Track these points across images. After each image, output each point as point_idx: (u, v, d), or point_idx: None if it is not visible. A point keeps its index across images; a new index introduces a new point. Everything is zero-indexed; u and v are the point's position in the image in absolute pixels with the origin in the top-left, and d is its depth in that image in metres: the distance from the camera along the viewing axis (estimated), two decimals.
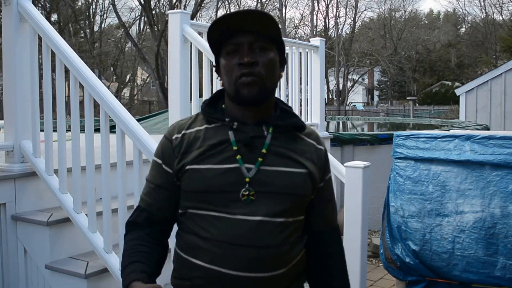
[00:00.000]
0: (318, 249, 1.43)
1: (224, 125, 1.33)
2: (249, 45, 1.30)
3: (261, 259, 1.25)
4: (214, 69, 1.41)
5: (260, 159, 1.29)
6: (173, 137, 1.36)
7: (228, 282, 1.26)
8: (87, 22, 30.77)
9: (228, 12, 1.35)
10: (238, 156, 1.29)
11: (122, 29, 28.14)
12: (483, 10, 39.48)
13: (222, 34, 1.31)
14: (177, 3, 25.67)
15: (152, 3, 25.11)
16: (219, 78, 1.38)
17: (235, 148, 1.29)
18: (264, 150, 1.30)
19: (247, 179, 1.27)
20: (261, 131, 1.32)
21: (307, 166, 1.34)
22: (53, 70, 2.89)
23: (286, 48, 4.54)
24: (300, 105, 4.84)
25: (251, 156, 1.29)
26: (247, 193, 1.26)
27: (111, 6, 28.94)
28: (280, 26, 1.34)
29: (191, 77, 3.61)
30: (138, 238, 1.36)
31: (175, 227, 1.42)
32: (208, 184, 1.27)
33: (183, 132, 1.36)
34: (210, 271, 1.26)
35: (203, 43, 3.47)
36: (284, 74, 4.53)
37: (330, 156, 3.00)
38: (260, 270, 1.26)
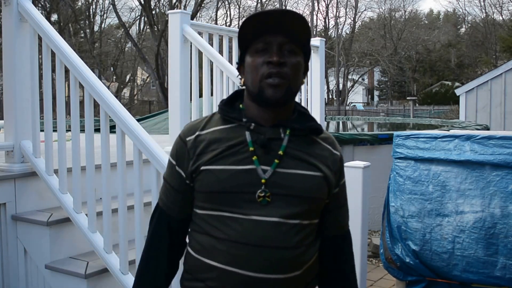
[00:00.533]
0: (330, 253, 1.44)
1: (241, 125, 1.32)
2: (279, 46, 1.28)
3: (278, 261, 1.26)
4: (236, 66, 1.40)
5: (276, 161, 1.28)
6: (187, 139, 1.35)
7: (244, 284, 1.26)
8: (87, 22, 30.78)
9: (259, 11, 1.36)
10: (254, 157, 1.28)
11: (122, 29, 28.15)
12: (483, 10, 39.55)
13: (254, 30, 1.29)
14: (177, 3, 25.68)
15: (152, 3, 25.12)
16: (239, 76, 1.37)
17: (251, 149, 1.29)
18: (280, 152, 1.29)
19: (263, 181, 1.27)
20: (278, 133, 1.31)
21: (323, 170, 1.33)
22: (53, 70, 2.89)
23: None
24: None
25: (267, 158, 1.29)
26: (263, 194, 1.26)
27: (111, 6, 28.94)
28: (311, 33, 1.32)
29: (191, 77, 3.61)
30: (149, 270, 1.41)
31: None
32: (223, 185, 1.27)
33: (197, 133, 1.35)
34: (226, 272, 1.26)
35: (203, 43, 3.47)
36: None
37: None
38: (277, 272, 1.26)
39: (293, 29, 1.29)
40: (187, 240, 1.40)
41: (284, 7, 34.75)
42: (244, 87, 1.37)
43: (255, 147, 1.29)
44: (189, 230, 1.39)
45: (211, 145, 1.31)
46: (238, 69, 1.39)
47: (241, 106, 1.37)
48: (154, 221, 1.43)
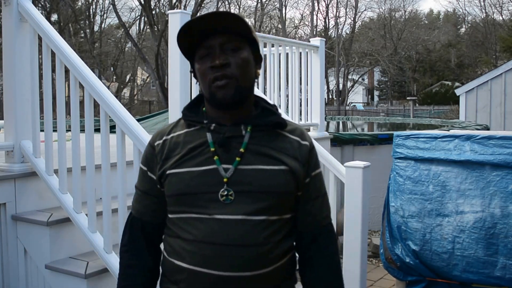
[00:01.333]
0: (306, 248, 1.42)
1: (203, 127, 1.34)
2: (220, 47, 1.29)
3: (244, 258, 1.26)
4: (191, 73, 1.40)
5: (237, 159, 1.29)
6: (156, 144, 1.38)
7: (213, 283, 1.26)
8: (87, 22, 30.77)
9: (190, 19, 1.38)
10: (216, 157, 1.29)
11: (122, 29, 28.14)
12: (483, 10, 39.52)
13: (193, 39, 1.31)
14: (177, 3, 25.67)
15: (152, 3, 25.10)
16: (197, 82, 1.38)
17: (212, 149, 1.30)
18: (242, 149, 1.30)
19: (225, 179, 1.27)
20: (239, 131, 1.32)
21: (288, 163, 1.33)
22: (53, 70, 2.89)
23: (286, 48, 4.53)
24: (300, 105, 4.84)
25: (229, 157, 1.29)
26: (225, 193, 1.27)
27: (111, 6, 28.94)
28: (249, 23, 1.34)
29: (191, 77, 3.61)
30: (133, 265, 1.41)
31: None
32: (187, 187, 1.29)
33: (164, 138, 1.37)
34: (195, 272, 1.27)
35: None
36: (284, 74, 4.55)
37: (329, 156, 3.00)
38: (243, 269, 1.26)
39: (230, 26, 1.29)
40: (162, 245, 1.41)
41: (284, 7, 34.79)
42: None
43: (216, 147, 1.30)
44: (164, 235, 1.40)
45: (175, 149, 1.34)
46: (194, 75, 1.39)
47: (204, 109, 1.38)
48: (128, 230, 1.44)
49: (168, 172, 1.32)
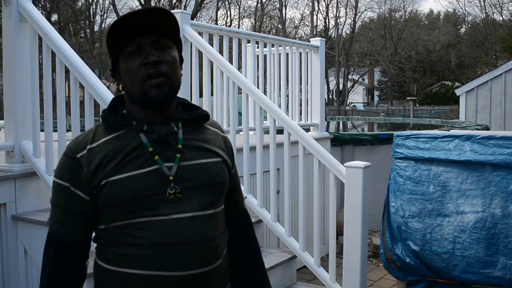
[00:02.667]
0: (236, 233, 1.48)
1: (131, 129, 1.28)
2: (151, 45, 1.26)
3: (200, 254, 1.25)
4: (110, 73, 1.36)
5: (178, 155, 1.28)
6: (79, 155, 1.27)
7: (170, 284, 1.23)
8: (87, 22, 30.78)
9: (123, 15, 1.34)
10: (157, 157, 1.26)
11: None
12: (483, 10, 39.46)
13: (123, 35, 1.27)
14: (177, 3, 25.68)
15: (152, 3, 25.10)
16: (116, 83, 1.34)
17: (150, 149, 1.26)
18: (179, 146, 1.29)
19: (170, 178, 1.25)
20: (172, 128, 1.30)
21: (221, 154, 1.36)
22: (53, 70, 2.89)
23: (286, 48, 4.54)
24: (300, 105, 4.84)
25: (168, 155, 1.27)
26: (173, 191, 1.25)
27: (111, 6, 28.98)
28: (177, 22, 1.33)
29: (191, 77, 3.61)
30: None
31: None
32: (132, 192, 1.23)
33: (88, 147, 1.28)
34: (149, 277, 1.22)
35: (203, 43, 3.47)
36: (284, 74, 4.55)
37: (329, 156, 3.00)
38: (201, 266, 1.26)
39: (160, 25, 1.27)
40: (96, 255, 1.32)
41: (284, 7, 34.80)
42: (123, 93, 1.34)
43: (154, 147, 1.27)
44: (97, 246, 1.32)
45: (107, 156, 1.25)
46: (112, 75, 1.35)
47: (124, 111, 1.33)
48: (51, 254, 1.32)
49: (105, 181, 1.23)
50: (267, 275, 1.54)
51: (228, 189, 1.40)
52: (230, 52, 4.01)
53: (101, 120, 1.35)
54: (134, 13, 1.24)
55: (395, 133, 3.61)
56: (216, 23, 31.05)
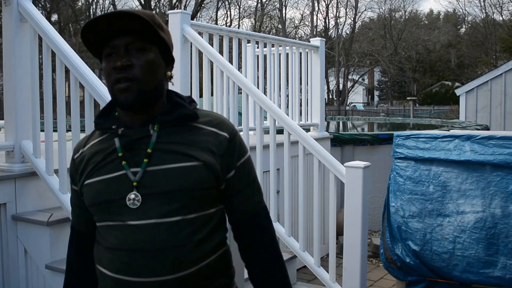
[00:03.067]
0: (241, 239, 1.39)
1: (113, 133, 1.31)
2: (125, 47, 1.25)
3: (162, 262, 1.21)
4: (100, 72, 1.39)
5: (145, 160, 1.25)
6: (75, 157, 1.38)
7: None
8: None
9: (105, 13, 1.34)
10: (124, 162, 1.26)
11: None
12: (483, 10, 39.48)
13: (98, 37, 1.26)
14: (177, 3, 25.69)
15: (152, 3, 25.13)
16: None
17: (120, 154, 1.27)
18: (149, 150, 1.26)
19: (134, 184, 1.24)
20: (147, 131, 1.28)
21: (201, 157, 1.26)
22: (53, 70, 2.89)
23: (287, 48, 4.53)
24: (300, 105, 4.84)
25: (137, 159, 1.26)
26: (132, 197, 1.23)
27: (111, 6, 28.98)
28: (159, 22, 1.30)
29: (191, 77, 3.61)
30: (73, 267, 1.47)
31: None
32: (99, 196, 1.27)
33: (81, 150, 1.37)
34: (115, 280, 1.25)
35: (203, 43, 3.47)
36: (284, 74, 4.55)
37: (329, 156, 3.00)
38: (163, 274, 1.22)
39: (135, 27, 1.24)
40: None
41: (284, 7, 34.79)
42: None
43: (123, 152, 1.27)
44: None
45: (90, 159, 1.32)
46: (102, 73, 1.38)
47: (116, 113, 1.35)
48: (71, 243, 1.47)
49: (85, 183, 1.31)
50: (287, 283, 1.39)
51: (231, 192, 1.34)
52: (230, 52, 4.01)
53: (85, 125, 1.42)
54: (103, 17, 1.23)
55: (395, 133, 3.61)
56: (216, 23, 31.06)
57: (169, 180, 1.23)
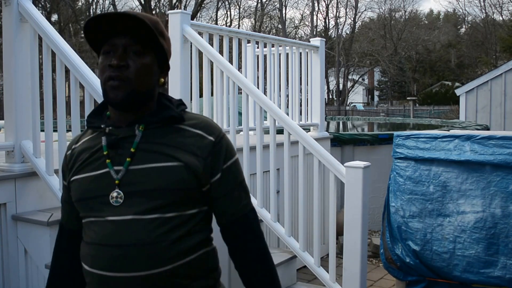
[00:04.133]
0: (230, 241, 1.40)
1: (102, 131, 1.35)
2: (123, 48, 1.28)
3: (135, 258, 1.25)
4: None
5: (128, 159, 1.29)
6: (67, 153, 1.43)
7: (108, 284, 1.26)
8: None
9: (101, 13, 1.38)
10: (108, 160, 1.30)
11: None
12: (483, 10, 39.47)
13: (101, 33, 1.30)
14: (177, 3, 25.69)
15: (152, 3, 25.12)
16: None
17: (105, 152, 1.31)
18: (132, 149, 1.29)
19: (116, 182, 1.28)
20: (132, 131, 1.31)
21: (183, 158, 1.28)
22: (53, 70, 2.89)
23: (287, 48, 4.53)
24: (300, 105, 4.84)
25: (121, 158, 1.30)
26: (115, 195, 1.27)
27: (111, 6, 28.99)
28: (161, 28, 1.33)
29: (191, 77, 3.61)
30: (60, 266, 1.48)
31: None
32: (83, 192, 1.32)
33: (73, 147, 1.42)
34: (93, 274, 1.29)
35: (203, 43, 3.47)
36: (284, 74, 4.55)
37: (329, 156, 3.00)
38: (135, 269, 1.24)
39: (136, 30, 1.28)
40: None
41: (284, 7, 34.79)
42: None
43: (108, 150, 1.31)
44: None
45: (79, 156, 1.37)
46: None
47: (107, 113, 1.39)
48: (57, 237, 1.49)
49: (72, 178, 1.36)
50: (276, 282, 1.41)
51: (212, 197, 1.36)
52: (230, 52, 4.01)
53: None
54: (107, 15, 1.26)
55: (395, 133, 3.61)
56: (216, 23, 31.06)
57: (149, 179, 1.27)
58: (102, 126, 1.34)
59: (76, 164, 1.36)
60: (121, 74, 1.27)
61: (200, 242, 1.33)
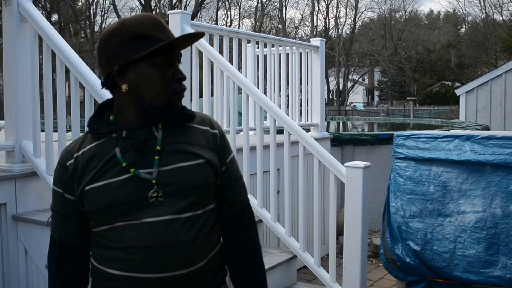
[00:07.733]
0: (229, 232, 1.45)
1: (113, 136, 1.32)
2: (178, 61, 1.35)
3: (176, 257, 1.26)
4: (116, 71, 1.29)
5: (156, 158, 1.29)
6: (68, 164, 1.34)
7: (143, 286, 1.26)
8: (87, 22, 30.79)
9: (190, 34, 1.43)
10: (132, 170, 1.28)
11: None
12: (483, 10, 39.43)
13: (161, 45, 1.29)
14: (177, 3, 25.70)
15: (153, 3, 25.13)
16: (121, 81, 1.30)
17: (124, 164, 1.28)
18: (158, 147, 1.30)
19: (153, 181, 1.28)
20: (152, 133, 1.32)
21: (204, 155, 1.34)
22: (54, 70, 2.89)
23: (287, 48, 4.54)
24: (300, 105, 4.84)
25: (147, 160, 1.29)
26: (155, 194, 1.27)
27: (112, 6, 29.00)
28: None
29: (191, 77, 3.61)
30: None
31: None
32: (109, 199, 1.27)
33: (75, 155, 1.34)
34: (126, 278, 1.27)
35: (203, 43, 3.47)
36: (284, 74, 4.55)
37: (329, 156, 3.00)
38: (177, 268, 1.26)
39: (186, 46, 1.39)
40: (91, 254, 1.38)
41: (284, 7, 34.79)
42: (111, 97, 1.37)
43: (131, 154, 1.29)
44: (91, 245, 1.38)
45: (89, 164, 1.31)
46: (119, 72, 1.29)
47: (111, 117, 1.35)
48: (55, 256, 1.39)
49: (86, 188, 1.29)
50: (264, 278, 1.48)
51: (219, 188, 1.40)
52: (230, 52, 4.01)
53: (85, 127, 1.40)
54: (181, 38, 1.31)
55: (395, 133, 3.61)
56: (216, 23, 31.06)
57: (180, 179, 1.29)
58: (113, 135, 1.31)
59: (87, 172, 1.31)
60: (184, 87, 1.34)
61: (218, 236, 1.40)
